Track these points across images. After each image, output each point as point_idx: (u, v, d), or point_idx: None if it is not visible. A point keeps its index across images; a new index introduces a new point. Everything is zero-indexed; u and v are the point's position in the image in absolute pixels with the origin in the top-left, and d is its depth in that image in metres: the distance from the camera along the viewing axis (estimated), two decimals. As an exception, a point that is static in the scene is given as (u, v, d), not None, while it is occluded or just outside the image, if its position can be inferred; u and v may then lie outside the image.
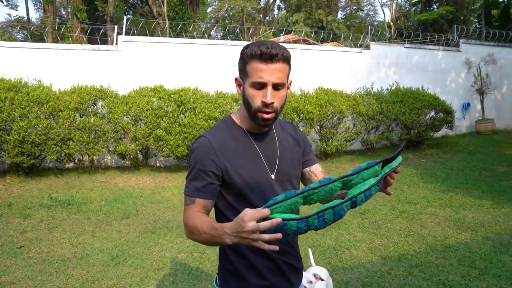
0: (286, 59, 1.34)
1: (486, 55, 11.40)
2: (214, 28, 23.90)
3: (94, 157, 7.34)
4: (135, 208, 5.60)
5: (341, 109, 8.44)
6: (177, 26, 14.08)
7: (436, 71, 11.19)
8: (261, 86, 1.32)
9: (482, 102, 11.35)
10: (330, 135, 8.60)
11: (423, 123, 9.34)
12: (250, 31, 17.56)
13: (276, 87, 1.33)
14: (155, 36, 11.88)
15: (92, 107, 7.10)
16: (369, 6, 38.28)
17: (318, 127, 8.64)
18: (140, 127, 7.15)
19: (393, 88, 9.85)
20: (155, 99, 7.21)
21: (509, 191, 6.57)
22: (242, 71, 1.38)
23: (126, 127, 7.00)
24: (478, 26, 24.96)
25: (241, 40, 11.77)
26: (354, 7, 34.85)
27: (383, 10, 49.01)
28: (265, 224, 1.06)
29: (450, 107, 9.59)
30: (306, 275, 2.10)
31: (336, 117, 8.56)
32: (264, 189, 1.41)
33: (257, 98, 1.33)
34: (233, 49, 8.95)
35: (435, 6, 25.54)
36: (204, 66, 8.65)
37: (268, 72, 1.30)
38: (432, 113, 9.43)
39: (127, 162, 7.80)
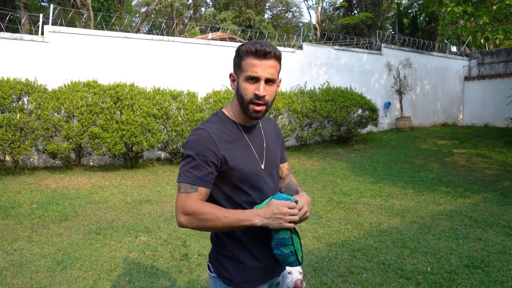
0: (278, 58, 1.45)
1: (404, 59, 12.59)
2: (143, 23, 23.01)
3: (19, 157, 6.74)
4: (73, 209, 5.29)
5: (277, 106, 8.75)
6: (102, 18, 13.38)
7: (362, 72, 12.08)
8: (255, 80, 1.42)
9: (401, 101, 12.52)
10: (268, 132, 8.87)
11: (352, 120, 10.06)
12: (187, 27, 17.27)
13: (268, 82, 1.44)
14: (79, 27, 11.14)
15: (17, 102, 6.52)
16: (295, 8, 39.77)
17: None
18: (74, 124, 6.73)
19: (324, 87, 10.44)
20: (89, 94, 6.84)
21: (426, 180, 7.39)
22: (237, 67, 1.47)
23: (58, 124, 6.54)
24: (392, 32, 27.33)
25: (177, 36, 11.58)
26: (282, 8, 35.91)
27: (309, 12, 51.16)
28: (296, 212, 1.38)
29: (375, 105, 10.44)
30: (296, 267, 2.25)
31: (273, 114, 8.85)
32: (257, 178, 1.51)
33: (250, 90, 1.43)
34: (170, 45, 8.80)
35: (356, 12, 27.44)
36: (140, 62, 8.39)
37: (261, 67, 1.41)
38: (360, 111, 10.18)
39: (57, 162, 7.30)
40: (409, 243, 4.19)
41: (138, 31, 19.10)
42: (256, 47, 1.40)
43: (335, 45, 12.41)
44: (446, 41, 12.95)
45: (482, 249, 3.99)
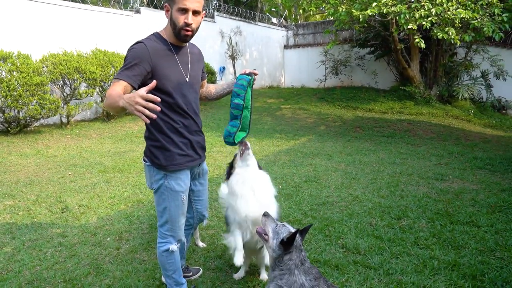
0: None
1: (235, 27, 13.75)
2: None
3: None
4: None
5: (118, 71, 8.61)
6: None
7: (198, 37, 12.51)
8: (185, 11, 1.85)
9: (234, 66, 13.74)
10: (114, 96, 8.70)
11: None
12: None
13: (195, 13, 1.88)
14: None
15: None
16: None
17: (100, 88, 8.56)
18: None
19: (165, 51, 10.66)
20: None
21: (263, 131, 8.68)
22: (171, 0, 1.87)
23: None
24: (217, 2, 28.67)
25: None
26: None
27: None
28: (144, 104, 1.48)
29: (213, 69, 11.28)
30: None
31: (118, 78, 8.68)
32: (182, 88, 1.97)
33: (181, 19, 1.87)
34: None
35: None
36: None
37: (190, 1, 1.85)
38: (202, 75, 10.87)
39: None
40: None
41: None
42: None
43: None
44: (268, 14, 14.64)
45: (314, 170, 5.28)
